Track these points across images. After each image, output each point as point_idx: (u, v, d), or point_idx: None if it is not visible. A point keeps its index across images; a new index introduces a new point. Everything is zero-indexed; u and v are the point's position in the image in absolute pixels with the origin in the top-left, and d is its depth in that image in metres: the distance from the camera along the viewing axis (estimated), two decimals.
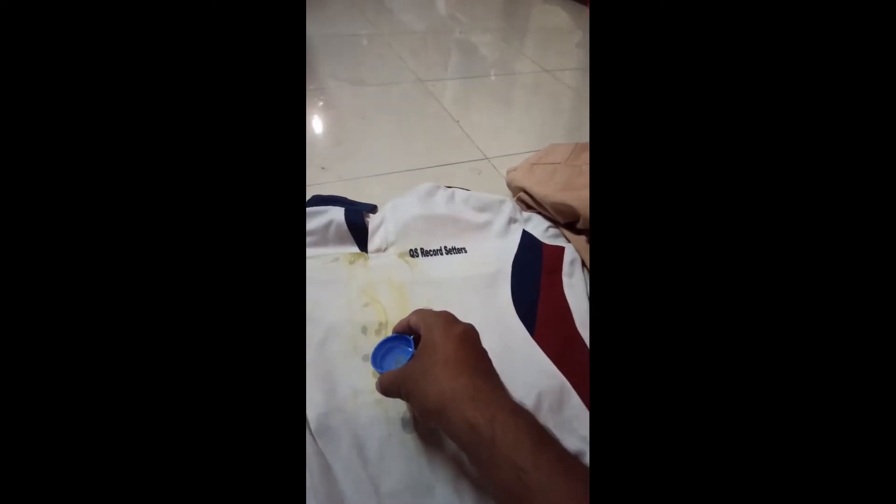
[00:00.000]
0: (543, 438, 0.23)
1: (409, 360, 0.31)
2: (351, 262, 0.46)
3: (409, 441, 0.34)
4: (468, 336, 0.30)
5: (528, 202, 0.54)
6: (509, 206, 0.53)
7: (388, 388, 0.31)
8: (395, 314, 0.42)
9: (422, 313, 0.32)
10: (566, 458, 0.23)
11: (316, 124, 0.74)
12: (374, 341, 0.40)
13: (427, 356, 0.29)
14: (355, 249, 0.48)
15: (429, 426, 0.30)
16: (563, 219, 0.51)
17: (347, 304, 0.43)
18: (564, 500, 0.20)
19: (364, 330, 0.41)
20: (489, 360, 0.30)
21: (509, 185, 0.58)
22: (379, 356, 0.34)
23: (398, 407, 0.35)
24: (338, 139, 0.70)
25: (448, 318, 0.31)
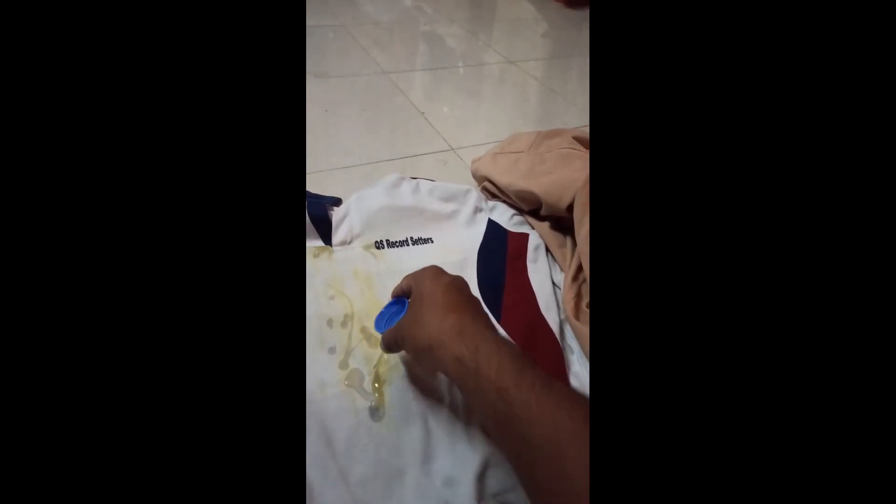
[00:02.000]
0: (525, 363, 0.24)
1: (404, 314, 0.33)
2: (315, 256, 0.46)
3: (377, 429, 0.34)
4: (456, 284, 0.31)
5: (493, 191, 0.55)
6: (474, 195, 0.53)
7: (388, 343, 0.33)
8: (361, 306, 0.42)
9: (413, 273, 0.34)
10: (547, 378, 0.24)
11: None
12: (340, 333, 0.40)
13: (417, 305, 0.30)
14: (319, 243, 0.47)
15: (421, 365, 0.32)
16: (526, 206, 0.52)
17: (313, 297, 0.42)
18: (543, 411, 0.21)
19: (330, 323, 0.40)
20: (478, 304, 0.31)
21: (474, 175, 0.58)
22: (382, 322, 0.36)
23: (366, 397, 0.36)
24: None
25: (436, 270, 0.33)
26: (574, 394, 0.23)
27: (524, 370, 0.23)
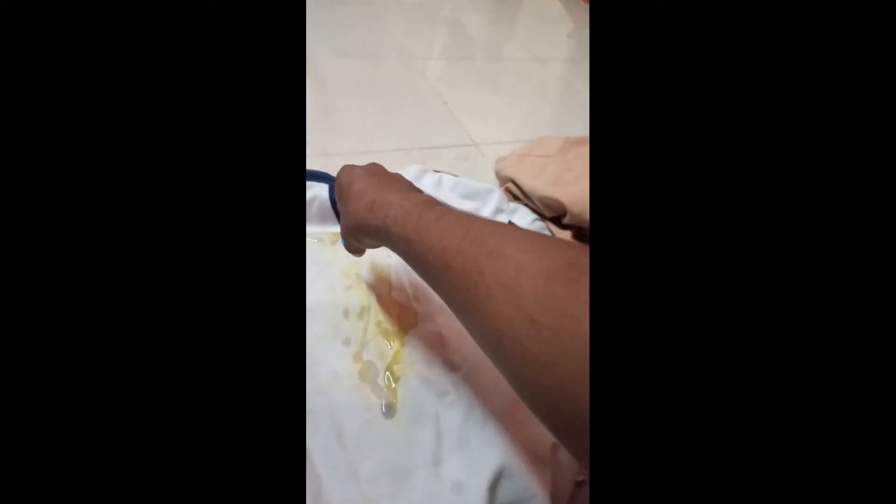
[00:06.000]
0: (423, 209, 0.30)
1: None
2: (333, 243, 0.45)
3: (388, 427, 0.34)
4: (368, 169, 0.36)
5: (516, 193, 0.54)
6: (497, 195, 0.53)
7: (346, 247, 0.38)
8: (376, 300, 0.41)
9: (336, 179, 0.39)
10: (442, 212, 0.29)
11: None
12: (355, 325, 0.39)
13: (341, 202, 0.36)
14: (338, 229, 0.46)
15: (362, 244, 0.36)
16: (549, 213, 0.51)
17: (329, 286, 0.41)
18: (427, 231, 0.27)
19: (346, 313, 0.40)
20: (388, 176, 0.35)
21: (498, 175, 0.57)
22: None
23: (377, 393, 0.35)
24: (322, 111, 0.67)
25: (348, 167, 0.37)
26: (459, 212, 0.29)
27: (421, 216, 0.29)
